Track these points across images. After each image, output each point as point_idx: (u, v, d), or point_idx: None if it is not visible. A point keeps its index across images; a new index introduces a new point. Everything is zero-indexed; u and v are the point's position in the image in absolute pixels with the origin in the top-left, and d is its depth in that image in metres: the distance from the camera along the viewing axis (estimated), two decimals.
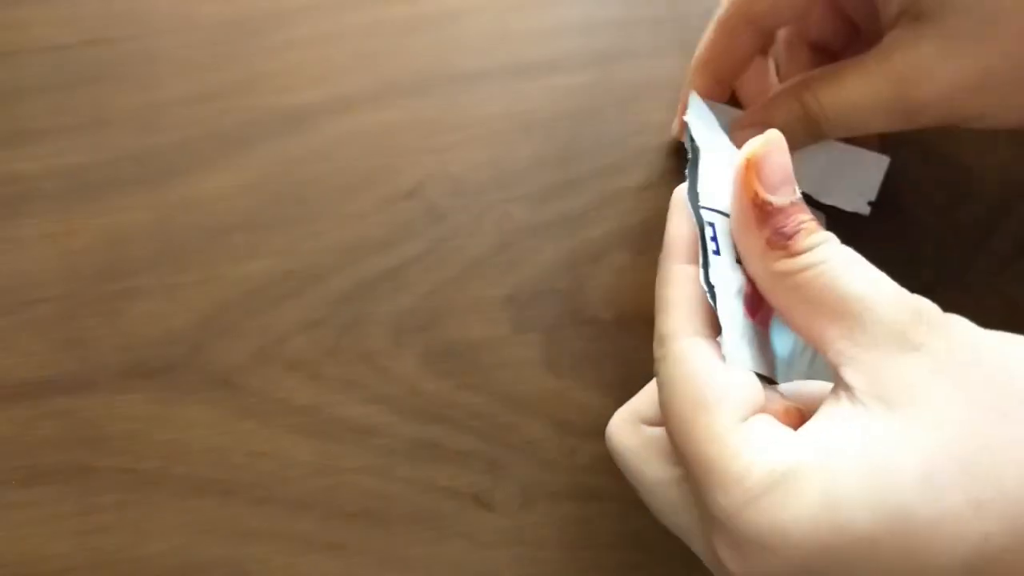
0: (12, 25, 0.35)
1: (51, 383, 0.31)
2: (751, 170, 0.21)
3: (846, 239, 0.21)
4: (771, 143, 0.21)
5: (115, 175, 0.33)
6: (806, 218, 0.21)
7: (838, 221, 0.29)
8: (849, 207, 0.31)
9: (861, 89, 0.26)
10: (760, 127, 0.23)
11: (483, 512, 0.30)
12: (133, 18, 0.35)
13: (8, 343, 0.31)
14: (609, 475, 0.31)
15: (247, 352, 0.31)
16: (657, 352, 0.22)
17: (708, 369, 0.20)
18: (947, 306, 0.20)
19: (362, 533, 0.30)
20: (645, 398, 0.25)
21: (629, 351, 0.32)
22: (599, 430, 0.31)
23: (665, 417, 0.21)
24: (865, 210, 0.31)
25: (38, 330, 0.31)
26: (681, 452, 0.20)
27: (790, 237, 0.20)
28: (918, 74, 0.25)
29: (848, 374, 0.19)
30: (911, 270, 0.32)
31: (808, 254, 0.20)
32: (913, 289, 0.20)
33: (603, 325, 0.32)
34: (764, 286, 0.21)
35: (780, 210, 0.21)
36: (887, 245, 0.31)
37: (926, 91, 0.25)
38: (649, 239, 0.33)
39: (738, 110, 0.32)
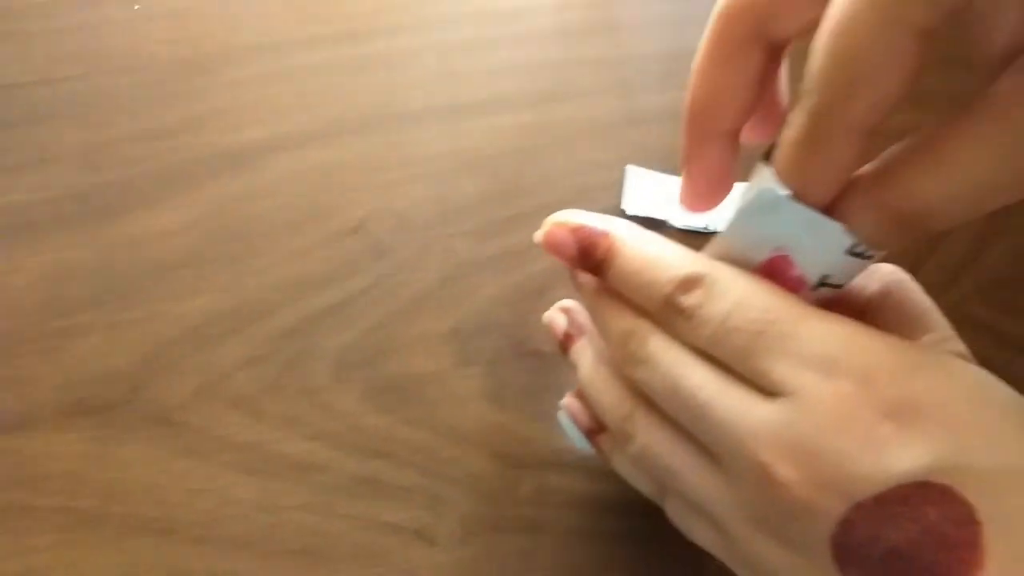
0: None
1: None
2: None
3: None
4: None
5: (58, 213, 0.33)
6: None
7: None
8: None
9: (981, 163, 0.19)
10: None
11: (424, 547, 0.30)
12: (83, 57, 0.36)
13: None
14: (551, 507, 0.31)
15: (188, 389, 0.31)
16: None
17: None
18: None
19: (304, 571, 0.30)
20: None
21: (571, 383, 0.32)
22: (541, 462, 0.31)
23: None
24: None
25: None
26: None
27: None
28: None
29: None
30: None
31: None
32: None
33: (545, 358, 0.33)
34: None
35: None
36: None
37: None
38: None
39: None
